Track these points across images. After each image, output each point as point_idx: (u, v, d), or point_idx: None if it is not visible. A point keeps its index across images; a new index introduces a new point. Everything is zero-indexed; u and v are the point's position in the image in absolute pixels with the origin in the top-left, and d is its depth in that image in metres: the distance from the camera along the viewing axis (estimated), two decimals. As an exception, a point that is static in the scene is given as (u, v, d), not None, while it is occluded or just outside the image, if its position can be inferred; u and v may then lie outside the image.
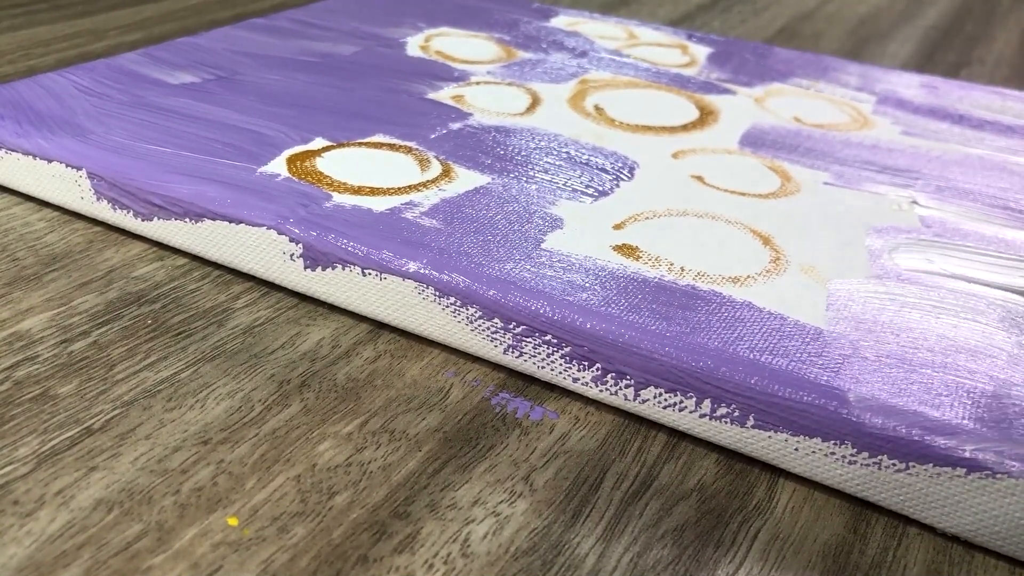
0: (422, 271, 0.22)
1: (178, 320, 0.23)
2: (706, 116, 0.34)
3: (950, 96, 0.39)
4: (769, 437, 0.20)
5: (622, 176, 0.29)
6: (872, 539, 0.19)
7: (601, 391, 0.21)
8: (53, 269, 0.25)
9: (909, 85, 0.40)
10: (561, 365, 0.21)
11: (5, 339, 0.22)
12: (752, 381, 0.20)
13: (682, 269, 0.23)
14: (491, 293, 0.22)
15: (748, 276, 0.23)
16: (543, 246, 0.24)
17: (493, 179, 0.27)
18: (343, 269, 0.23)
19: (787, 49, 0.44)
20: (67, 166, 0.26)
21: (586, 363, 0.21)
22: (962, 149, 0.33)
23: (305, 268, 0.24)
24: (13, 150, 0.27)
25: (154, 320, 0.23)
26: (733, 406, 0.20)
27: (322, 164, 0.27)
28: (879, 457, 0.19)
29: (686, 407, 0.20)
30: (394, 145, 0.29)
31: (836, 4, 0.63)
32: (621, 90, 0.36)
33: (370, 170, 0.27)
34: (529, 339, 0.21)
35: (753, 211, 0.27)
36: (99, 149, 0.27)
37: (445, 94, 0.34)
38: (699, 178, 0.29)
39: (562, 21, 0.45)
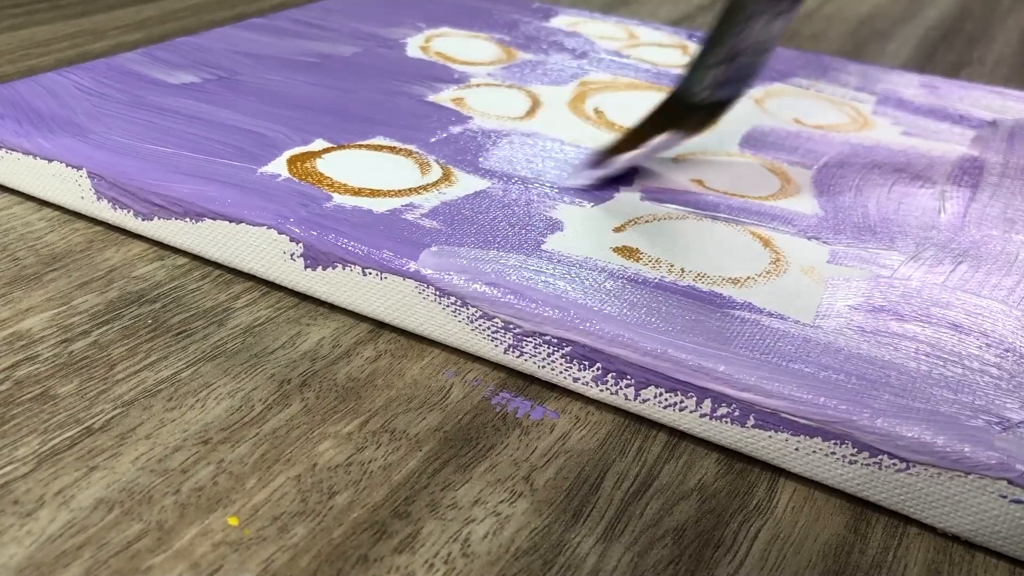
0: (423, 271, 0.22)
1: (178, 320, 0.23)
2: (706, 116, 0.34)
3: (950, 96, 0.39)
4: (769, 437, 0.20)
5: (622, 179, 0.29)
6: (872, 539, 0.19)
7: (601, 391, 0.21)
8: (53, 269, 0.25)
9: (909, 85, 0.40)
10: (561, 365, 0.21)
11: (5, 339, 0.22)
12: (752, 381, 0.20)
13: (682, 270, 0.23)
14: (491, 292, 0.22)
15: (748, 277, 0.23)
16: (543, 247, 0.24)
17: (493, 183, 0.27)
18: (343, 269, 0.23)
19: (787, 49, 0.44)
20: (67, 166, 0.26)
21: (586, 363, 0.21)
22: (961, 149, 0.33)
23: (305, 268, 0.24)
24: (13, 150, 0.27)
25: (154, 320, 0.23)
26: (733, 406, 0.20)
27: (322, 165, 0.27)
28: (879, 457, 0.19)
29: (686, 407, 0.20)
30: (394, 148, 0.29)
31: (836, 4, 0.63)
32: (621, 92, 0.36)
33: (370, 172, 0.27)
34: (529, 339, 0.21)
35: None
36: (99, 149, 0.27)
37: (445, 96, 0.34)
38: (699, 181, 0.29)
39: (562, 21, 0.45)
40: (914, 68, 0.49)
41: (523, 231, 0.25)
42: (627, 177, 0.29)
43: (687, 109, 0.28)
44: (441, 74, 0.36)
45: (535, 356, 0.22)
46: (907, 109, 0.37)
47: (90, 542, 0.17)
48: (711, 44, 0.27)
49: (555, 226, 0.25)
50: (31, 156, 0.27)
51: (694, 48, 0.43)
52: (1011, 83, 0.48)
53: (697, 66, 0.27)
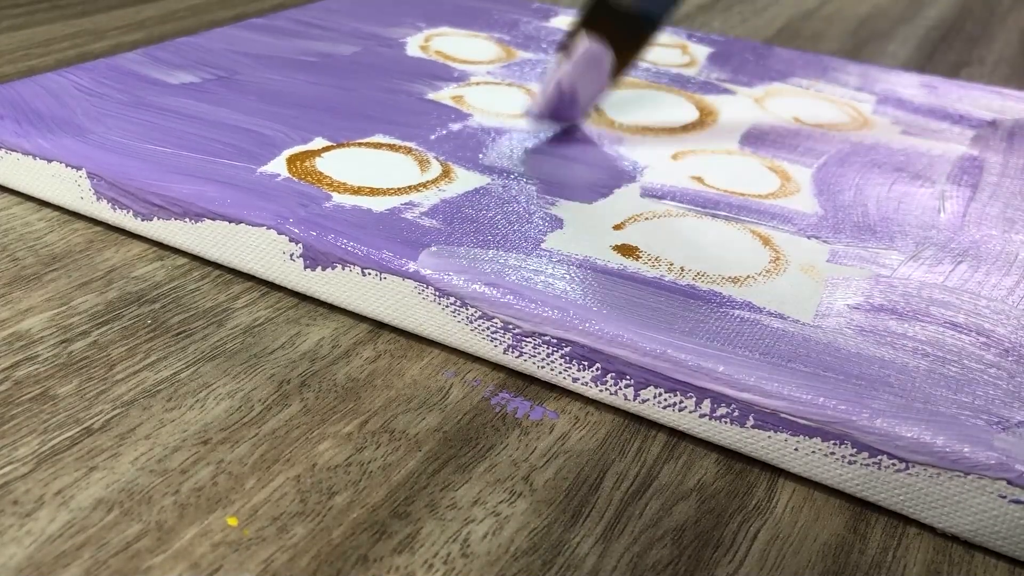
0: (422, 271, 0.22)
1: (178, 320, 0.23)
2: (706, 116, 0.34)
3: (950, 96, 0.39)
4: (769, 437, 0.20)
5: (622, 177, 0.29)
6: (872, 539, 0.19)
7: (601, 391, 0.21)
8: (53, 269, 0.25)
9: (909, 85, 0.40)
10: (561, 365, 0.21)
11: (5, 339, 0.22)
12: (752, 381, 0.20)
13: (682, 269, 0.23)
14: (491, 293, 0.22)
15: (748, 276, 0.23)
16: (543, 246, 0.24)
17: (493, 180, 0.27)
18: (343, 269, 0.23)
19: (787, 49, 0.44)
20: (67, 166, 0.26)
21: (586, 363, 0.21)
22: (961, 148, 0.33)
23: (305, 268, 0.24)
24: (13, 150, 0.27)
25: (154, 320, 0.23)
26: (733, 406, 0.20)
27: (322, 164, 0.27)
28: (879, 457, 0.19)
29: (686, 407, 0.20)
30: (394, 145, 0.29)
31: (836, 4, 0.63)
32: (621, 90, 0.36)
33: (370, 170, 0.27)
34: (529, 339, 0.21)
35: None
36: (99, 149, 0.27)
37: (445, 94, 0.34)
38: (699, 179, 0.29)
39: (562, 21, 0.45)
40: (914, 68, 0.49)
41: (522, 229, 0.25)
42: (572, 111, 0.31)
43: (613, 18, 0.29)
44: (441, 72, 0.36)
45: (534, 356, 0.22)
46: (907, 109, 0.37)
47: (90, 542, 0.17)
48: None
49: (555, 223, 0.25)
50: (31, 156, 0.27)
51: (692, 46, 0.43)
52: (1011, 83, 0.48)
53: None
